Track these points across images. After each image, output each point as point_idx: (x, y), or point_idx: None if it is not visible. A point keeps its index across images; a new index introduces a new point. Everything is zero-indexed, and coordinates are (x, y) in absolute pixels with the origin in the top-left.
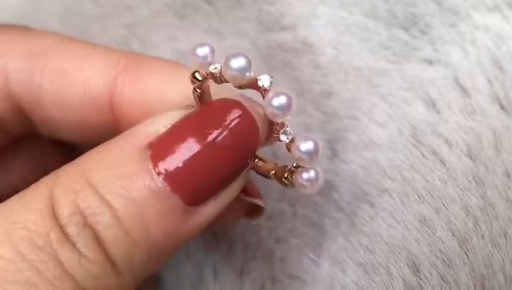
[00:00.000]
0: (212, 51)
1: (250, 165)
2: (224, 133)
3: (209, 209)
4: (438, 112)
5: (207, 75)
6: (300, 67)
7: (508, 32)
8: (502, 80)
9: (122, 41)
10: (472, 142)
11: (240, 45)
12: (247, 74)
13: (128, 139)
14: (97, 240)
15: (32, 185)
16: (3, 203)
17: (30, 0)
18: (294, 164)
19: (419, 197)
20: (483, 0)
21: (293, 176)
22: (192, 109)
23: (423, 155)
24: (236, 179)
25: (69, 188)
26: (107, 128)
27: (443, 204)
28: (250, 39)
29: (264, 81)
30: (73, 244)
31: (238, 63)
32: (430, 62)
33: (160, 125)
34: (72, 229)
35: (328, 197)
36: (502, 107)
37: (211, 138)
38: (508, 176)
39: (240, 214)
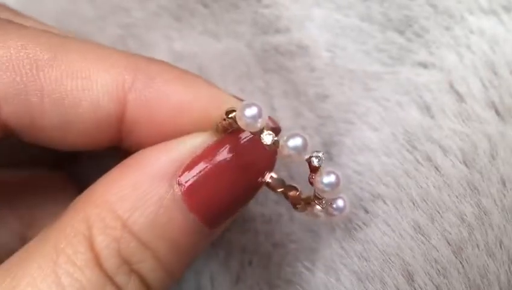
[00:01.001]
0: (260, 112)
1: (264, 183)
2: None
3: (225, 224)
4: (432, 117)
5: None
6: (296, 70)
7: (504, 36)
8: (497, 85)
9: (118, 42)
10: (467, 149)
11: (235, 47)
12: (304, 155)
13: (155, 170)
14: (143, 282)
15: (64, 225)
16: (43, 257)
17: (26, 1)
18: (312, 196)
19: (413, 204)
20: (479, 3)
21: (313, 207)
22: (215, 138)
23: (417, 161)
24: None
25: (109, 235)
26: (111, 141)
27: (438, 211)
28: (246, 41)
29: (316, 160)
30: None
31: (295, 142)
32: (424, 66)
33: (185, 153)
34: (121, 279)
35: None
36: (497, 112)
37: (243, 172)
38: (503, 183)
39: None
